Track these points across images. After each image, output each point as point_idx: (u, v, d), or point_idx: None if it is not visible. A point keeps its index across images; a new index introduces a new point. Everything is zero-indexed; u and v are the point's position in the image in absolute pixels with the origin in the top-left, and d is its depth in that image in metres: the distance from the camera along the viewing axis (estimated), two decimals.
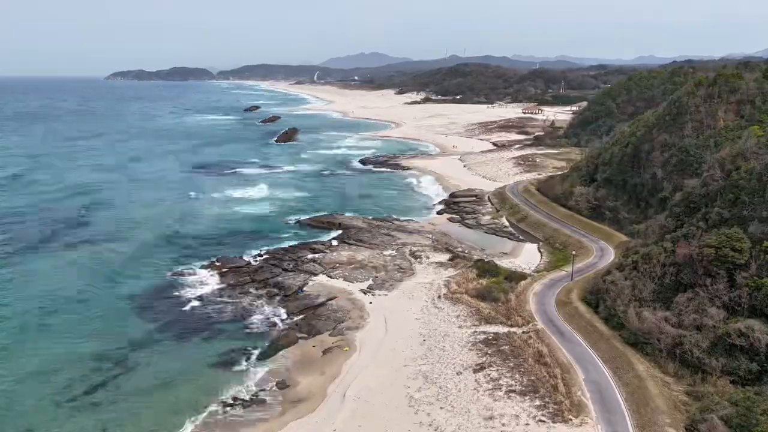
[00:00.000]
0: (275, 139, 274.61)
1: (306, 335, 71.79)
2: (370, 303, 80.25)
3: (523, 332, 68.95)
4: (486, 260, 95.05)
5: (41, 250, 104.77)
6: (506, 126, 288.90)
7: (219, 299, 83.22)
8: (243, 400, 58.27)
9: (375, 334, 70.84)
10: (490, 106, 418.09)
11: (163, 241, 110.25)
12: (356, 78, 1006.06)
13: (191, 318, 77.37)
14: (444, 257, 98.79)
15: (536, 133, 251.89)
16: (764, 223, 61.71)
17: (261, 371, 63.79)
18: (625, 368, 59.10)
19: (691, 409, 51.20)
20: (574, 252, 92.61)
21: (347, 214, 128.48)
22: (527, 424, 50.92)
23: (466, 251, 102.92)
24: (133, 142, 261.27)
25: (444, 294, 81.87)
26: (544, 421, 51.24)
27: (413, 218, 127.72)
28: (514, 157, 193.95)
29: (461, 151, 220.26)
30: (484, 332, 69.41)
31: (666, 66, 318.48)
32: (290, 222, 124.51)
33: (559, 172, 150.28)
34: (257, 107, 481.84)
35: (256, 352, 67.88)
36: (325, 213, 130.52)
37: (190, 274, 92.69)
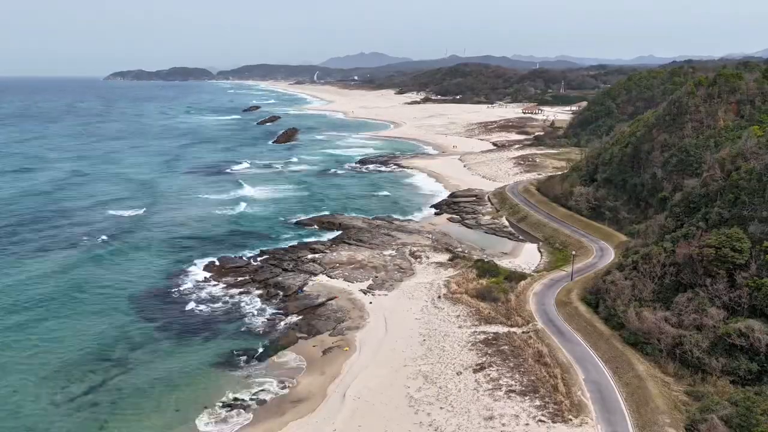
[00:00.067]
0: (275, 139, 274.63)
1: (306, 335, 71.78)
2: (370, 303, 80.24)
3: (523, 332, 68.96)
4: (486, 260, 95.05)
5: (40, 249, 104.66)
6: (506, 126, 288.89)
7: (219, 299, 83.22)
8: (243, 400, 58.26)
9: (375, 334, 70.83)
10: (490, 106, 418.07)
11: (162, 240, 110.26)
12: (356, 78, 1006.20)
13: (191, 318, 77.37)
14: (444, 257, 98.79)
15: (536, 133, 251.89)
16: (764, 223, 61.72)
17: (261, 371, 63.77)
18: (625, 368, 59.10)
19: (691, 409, 51.19)
20: (573, 252, 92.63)
21: (347, 214, 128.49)
22: (527, 424, 50.91)
23: (466, 251, 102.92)
24: (132, 142, 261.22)
25: (444, 294, 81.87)
26: (544, 421, 51.24)
27: (413, 218, 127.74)
28: (514, 157, 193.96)
29: (461, 151, 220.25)
30: (484, 332, 69.41)
31: (666, 66, 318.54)
32: (290, 222, 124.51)
33: (559, 172, 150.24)
34: (257, 107, 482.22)
35: (256, 352, 67.85)
36: (325, 213, 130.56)
37: (190, 274, 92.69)
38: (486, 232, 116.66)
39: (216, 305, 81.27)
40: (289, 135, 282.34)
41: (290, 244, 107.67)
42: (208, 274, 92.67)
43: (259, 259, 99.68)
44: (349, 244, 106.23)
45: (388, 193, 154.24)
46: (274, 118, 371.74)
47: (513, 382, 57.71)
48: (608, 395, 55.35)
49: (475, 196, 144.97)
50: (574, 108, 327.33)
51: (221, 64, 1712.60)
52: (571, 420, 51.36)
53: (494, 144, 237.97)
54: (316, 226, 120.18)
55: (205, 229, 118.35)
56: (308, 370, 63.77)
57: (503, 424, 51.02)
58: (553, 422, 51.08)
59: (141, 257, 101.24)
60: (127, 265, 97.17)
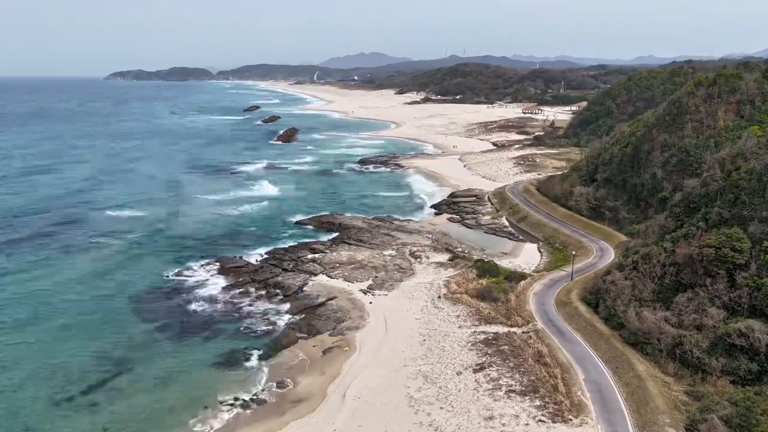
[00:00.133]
0: (275, 139, 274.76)
1: (306, 335, 71.77)
2: (370, 303, 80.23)
3: (523, 332, 68.95)
4: (486, 260, 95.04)
5: (40, 249, 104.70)
6: (506, 126, 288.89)
7: (219, 299, 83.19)
8: (243, 400, 58.25)
9: (375, 334, 70.83)
10: (490, 106, 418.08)
11: (163, 240, 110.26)
12: (356, 78, 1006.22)
13: (191, 318, 77.34)
14: (444, 257, 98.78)
15: (536, 133, 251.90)
16: (764, 223, 61.72)
17: (261, 371, 63.77)
18: (625, 368, 59.09)
19: (691, 409, 51.18)
20: (573, 252, 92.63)
21: (347, 214, 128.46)
22: (527, 424, 50.91)
23: (466, 251, 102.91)
24: (133, 142, 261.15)
25: (444, 294, 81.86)
26: (544, 421, 51.24)
27: (413, 218, 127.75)
28: (514, 157, 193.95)
29: (461, 151, 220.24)
30: (484, 332, 69.40)
31: (666, 66, 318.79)
32: (290, 222, 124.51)
33: (559, 172, 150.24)
34: (257, 107, 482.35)
35: (256, 352, 67.84)
36: (325, 213, 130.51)
37: (190, 274, 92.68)
38: (486, 232, 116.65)
39: (216, 305, 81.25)
40: (289, 135, 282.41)
41: (290, 244, 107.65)
42: (208, 274, 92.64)
43: (259, 259, 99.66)
44: (349, 244, 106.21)
45: (387, 193, 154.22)
46: (274, 118, 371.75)
47: (513, 382, 57.71)
48: (608, 395, 55.35)
49: (475, 196, 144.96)
50: (574, 108, 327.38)
51: (221, 64, 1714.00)
52: (571, 420, 51.36)
53: (494, 144, 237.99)
54: (316, 226, 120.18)
55: (204, 229, 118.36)
56: (308, 370, 63.75)
57: (503, 424, 51.01)
58: (553, 422, 51.08)
59: (140, 257, 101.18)
60: (126, 265, 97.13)
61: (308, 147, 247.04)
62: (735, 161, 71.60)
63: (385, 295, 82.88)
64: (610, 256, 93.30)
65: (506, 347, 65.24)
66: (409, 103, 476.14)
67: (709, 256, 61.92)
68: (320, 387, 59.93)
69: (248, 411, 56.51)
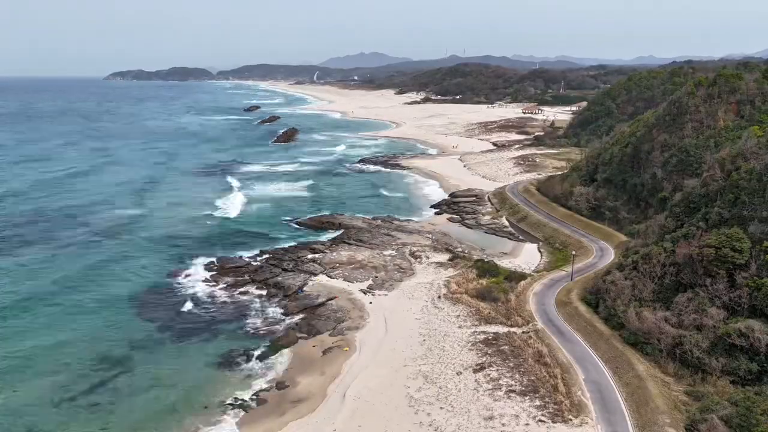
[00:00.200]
0: (275, 139, 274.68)
1: (306, 335, 71.76)
2: (370, 303, 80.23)
3: (523, 332, 68.95)
4: (486, 260, 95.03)
5: (40, 249, 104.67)
6: (506, 126, 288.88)
7: (219, 299, 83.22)
8: (243, 400, 58.25)
9: (375, 334, 70.81)
10: (490, 106, 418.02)
11: (162, 240, 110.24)
12: (356, 78, 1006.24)
13: (191, 318, 77.35)
14: (444, 257, 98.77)
15: (536, 133, 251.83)
16: (764, 223, 61.72)
17: (261, 371, 63.77)
18: (625, 368, 59.09)
19: (691, 409, 51.18)
20: (573, 252, 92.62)
21: (347, 214, 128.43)
22: (527, 424, 50.90)
23: (466, 251, 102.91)
24: (132, 142, 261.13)
25: (444, 294, 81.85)
26: (544, 421, 51.23)
27: (413, 218, 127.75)
28: (514, 157, 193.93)
29: (461, 151, 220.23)
30: (484, 332, 69.39)
31: (666, 66, 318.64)
32: (290, 222, 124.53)
33: (559, 172, 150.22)
34: (257, 107, 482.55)
35: (256, 352, 67.84)
36: (325, 213, 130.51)
37: (190, 274, 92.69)
38: (486, 232, 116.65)
39: (216, 305, 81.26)
40: (289, 135, 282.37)
41: (290, 244, 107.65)
42: (208, 274, 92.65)
43: (259, 259, 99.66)
44: (349, 244, 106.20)
45: (388, 193, 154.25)
46: (274, 118, 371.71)
47: (513, 382, 57.70)
48: (608, 395, 55.34)
49: (475, 196, 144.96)
50: (574, 108, 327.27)
51: (221, 64, 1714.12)
52: (571, 420, 51.36)
53: (494, 144, 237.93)
54: (316, 226, 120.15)
55: (204, 229, 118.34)
56: (308, 370, 63.72)
57: (503, 424, 51.01)
58: (553, 422, 51.07)
59: (140, 257, 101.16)
60: (126, 265, 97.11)
61: (308, 147, 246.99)
62: (735, 161, 71.60)
63: (385, 295, 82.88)
64: (610, 256, 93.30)
65: (506, 347, 65.23)
66: (409, 103, 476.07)
67: (709, 256, 61.92)
68: (320, 387, 59.92)
69: (248, 411, 56.50)
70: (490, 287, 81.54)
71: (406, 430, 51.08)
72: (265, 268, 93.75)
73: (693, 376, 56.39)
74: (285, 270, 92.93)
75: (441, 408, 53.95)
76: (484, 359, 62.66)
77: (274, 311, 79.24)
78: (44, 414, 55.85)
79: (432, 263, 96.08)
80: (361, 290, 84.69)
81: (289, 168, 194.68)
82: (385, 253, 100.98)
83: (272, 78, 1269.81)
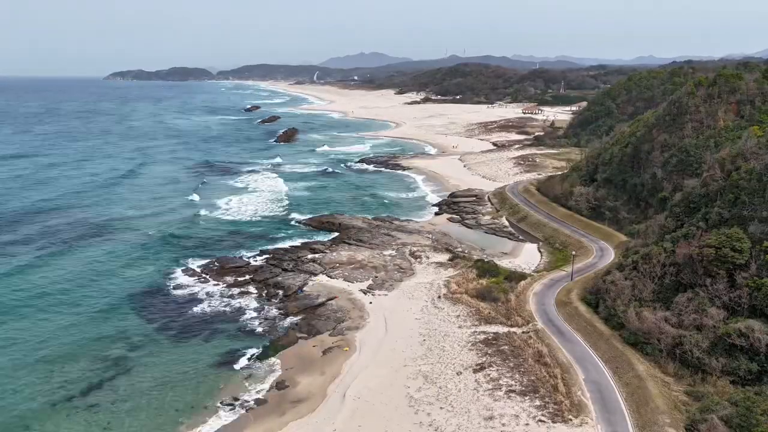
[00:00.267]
0: (275, 138, 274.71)
1: (306, 335, 71.75)
2: (370, 303, 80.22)
3: (523, 332, 68.94)
4: (486, 260, 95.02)
5: (40, 249, 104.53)
6: (506, 126, 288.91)
7: (219, 299, 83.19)
8: (243, 400, 58.22)
9: (375, 334, 70.80)
10: (490, 106, 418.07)
11: (162, 240, 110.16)
12: (356, 78, 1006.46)
13: (191, 318, 77.32)
14: (444, 257, 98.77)
15: (536, 133, 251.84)
16: (764, 223, 61.71)
17: (261, 371, 63.75)
18: (625, 368, 59.08)
19: (691, 409, 51.17)
20: (573, 252, 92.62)
21: (347, 214, 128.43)
22: (527, 424, 50.90)
23: (466, 251, 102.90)
24: (132, 142, 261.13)
25: (444, 294, 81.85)
26: (544, 421, 51.23)
27: (413, 218, 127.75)
28: (514, 157, 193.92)
29: (461, 151, 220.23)
30: (484, 332, 69.39)
31: (666, 66, 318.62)
32: (290, 222, 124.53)
33: (559, 172, 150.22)
34: (257, 107, 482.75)
35: (256, 352, 67.81)
36: (325, 213, 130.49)
37: (190, 274, 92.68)
38: (486, 232, 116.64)
39: (216, 305, 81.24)
40: (289, 135, 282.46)
41: (290, 244, 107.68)
42: (208, 274, 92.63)
43: (259, 259, 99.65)
44: (349, 244, 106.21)
45: (388, 193, 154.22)
46: (274, 118, 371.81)
47: (513, 382, 57.70)
48: (608, 395, 55.34)
49: (475, 196, 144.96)
50: (574, 108, 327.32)
51: (221, 64, 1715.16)
52: (571, 420, 51.35)
53: (494, 144, 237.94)
54: (316, 226, 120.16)
55: (204, 229, 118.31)
56: (308, 370, 63.70)
57: (503, 424, 51.00)
58: (553, 422, 51.07)
59: (140, 257, 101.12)
60: (126, 265, 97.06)
61: (308, 147, 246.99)
62: (735, 161, 71.59)
63: (385, 295, 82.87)
64: (610, 256, 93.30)
65: (506, 347, 65.23)
66: (409, 103, 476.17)
67: (709, 256, 61.91)
68: (320, 387, 59.91)
69: (248, 411, 56.48)
70: (490, 287, 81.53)
71: (406, 430, 51.07)
72: (265, 268, 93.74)
73: (693, 376, 56.37)
74: (285, 270, 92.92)
75: (441, 408, 53.94)
76: (484, 359, 62.65)
77: (274, 311, 79.21)
78: (43, 414, 55.77)
79: (432, 263, 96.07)
80: (361, 290, 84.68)
81: (289, 168, 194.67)
82: (385, 253, 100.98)
83: (272, 78, 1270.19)
